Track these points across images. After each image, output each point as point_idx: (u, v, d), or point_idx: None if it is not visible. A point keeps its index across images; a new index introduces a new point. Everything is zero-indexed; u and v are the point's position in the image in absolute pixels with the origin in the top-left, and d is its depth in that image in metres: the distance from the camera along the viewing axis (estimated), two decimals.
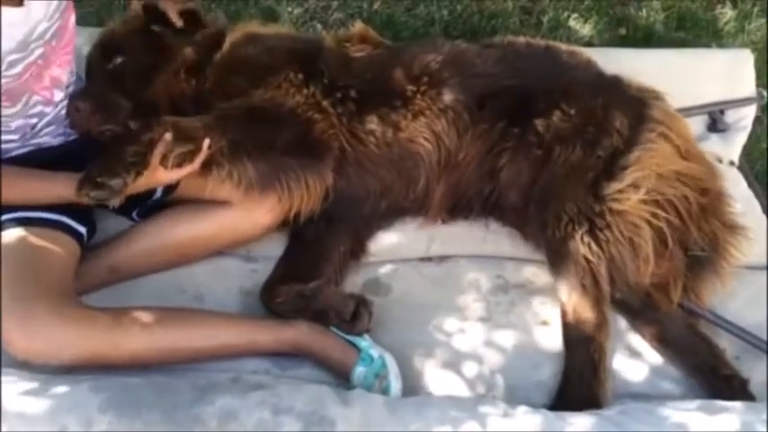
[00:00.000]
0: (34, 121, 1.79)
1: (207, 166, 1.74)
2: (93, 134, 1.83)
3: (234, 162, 1.77)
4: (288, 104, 1.87)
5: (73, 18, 1.81)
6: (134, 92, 1.87)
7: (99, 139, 1.81)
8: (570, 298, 1.78)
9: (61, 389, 1.47)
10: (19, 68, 1.65)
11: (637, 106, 1.91)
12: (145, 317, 1.64)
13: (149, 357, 1.64)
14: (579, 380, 1.72)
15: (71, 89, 1.88)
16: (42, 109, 1.79)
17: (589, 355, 1.74)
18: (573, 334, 1.78)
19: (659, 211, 1.80)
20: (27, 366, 1.56)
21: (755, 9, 2.87)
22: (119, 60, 1.89)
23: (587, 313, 1.76)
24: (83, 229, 1.78)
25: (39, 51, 1.69)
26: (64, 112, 1.84)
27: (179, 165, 1.69)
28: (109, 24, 2.03)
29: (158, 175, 1.67)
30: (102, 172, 1.59)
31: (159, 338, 1.63)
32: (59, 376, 1.54)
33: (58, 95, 1.82)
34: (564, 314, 1.81)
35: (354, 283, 1.94)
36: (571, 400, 1.70)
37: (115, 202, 1.61)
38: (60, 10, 1.72)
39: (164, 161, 1.66)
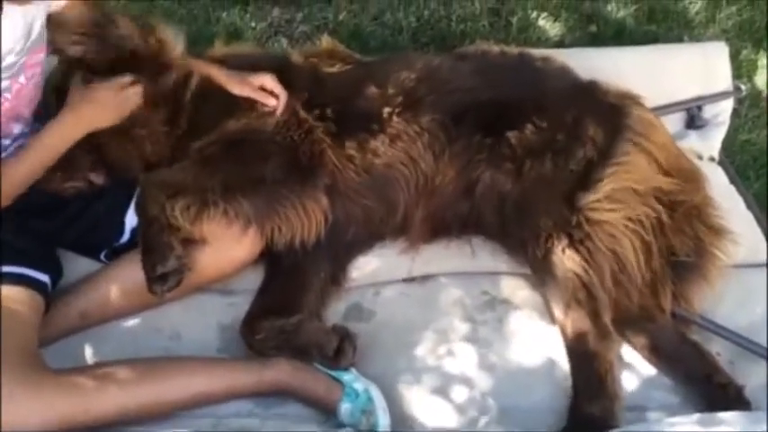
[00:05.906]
0: None
1: (202, 206, 1.71)
2: (57, 192, 1.77)
3: (228, 200, 1.73)
4: (266, 129, 1.82)
5: (42, 56, 1.72)
6: (98, 143, 1.77)
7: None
8: (566, 315, 1.74)
9: None
10: None
11: (613, 115, 1.86)
12: (115, 376, 1.55)
13: (122, 417, 1.55)
14: (588, 398, 1.67)
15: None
16: None
17: (594, 371, 1.69)
18: (575, 351, 1.73)
19: (634, 225, 1.76)
20: None
21: None
22: None
23: (586, 327, 1.71)
24: (45, 278, 1.70)
25: (5, 84, 1.62)
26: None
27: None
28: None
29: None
30: (155, 266, 1.65)
31: (132, 398, 1.55)
32: None
33: (17, 128, 1.74)
34: (563, 331, 1.77)
35: (337, 310, 1.88)
36: (583, 419, 1.65)
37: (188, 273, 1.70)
38: (28, 48, 1.64)
39: (173, 221, 1.68)
